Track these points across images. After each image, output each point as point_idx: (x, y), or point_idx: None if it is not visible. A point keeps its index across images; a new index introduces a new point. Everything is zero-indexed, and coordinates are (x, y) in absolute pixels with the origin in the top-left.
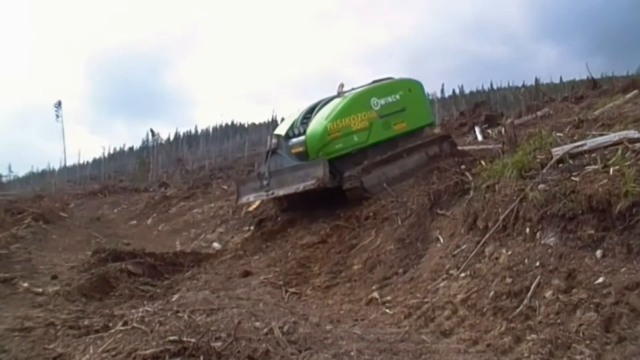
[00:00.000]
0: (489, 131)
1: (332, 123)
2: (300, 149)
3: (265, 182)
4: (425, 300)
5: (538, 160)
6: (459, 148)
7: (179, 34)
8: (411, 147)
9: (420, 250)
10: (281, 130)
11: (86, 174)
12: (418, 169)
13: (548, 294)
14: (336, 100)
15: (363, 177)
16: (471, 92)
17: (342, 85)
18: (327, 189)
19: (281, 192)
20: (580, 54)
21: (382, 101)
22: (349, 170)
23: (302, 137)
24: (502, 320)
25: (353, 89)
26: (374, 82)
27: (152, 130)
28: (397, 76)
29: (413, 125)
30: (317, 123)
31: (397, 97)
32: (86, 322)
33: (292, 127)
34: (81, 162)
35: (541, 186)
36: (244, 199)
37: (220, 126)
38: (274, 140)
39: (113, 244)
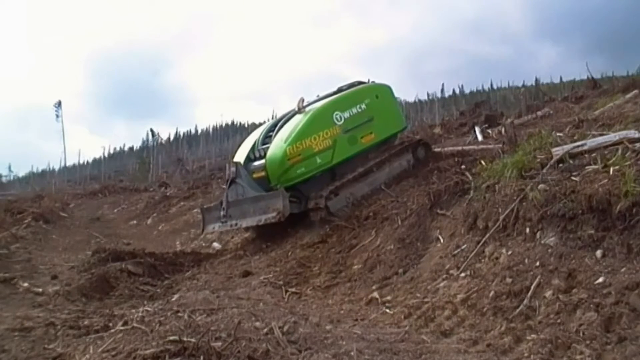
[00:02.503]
0: (489, 131)
1: (292, 146)
2: (262, 173)
3: (222, 213)
4: (425, 300)
5: (538, 160)
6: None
7: (179, 33)
8: (382, 160)
9: (420, 250)
10: (240, 156)
11: (86, 174)
12: (391, 182)
13: (548, 294)
14: (297, 118)
15: (329, 201)
16: (471, 92)
17: (302, 100)
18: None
19: (244, 224)
20: (580, 54)
21: (346, 114)
22: (314, 194)
23: (263, 161)
24: (502, 320)
25: (318, 96)
26: (339, 89)
27: (152, 130)
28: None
29: (382, 135)
30: (276, 146)
31: (363, 106)
32: (86, 322)
33: (253, 149)
34: (81, 162)
35: (541, 186)
36: (209, 228)
37: (220, 126)
38: (232, 169)
39: (113, 243)
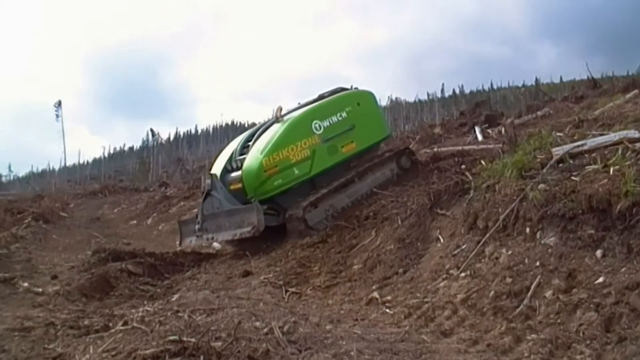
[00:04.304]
0: (489, 131)
1: (268, 158)
2: (239, 185)
3: (197, 227)
4: (426, 300)
5: (538, 160)
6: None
7: (179, 32)
8: (363, 170)
9: (420, 250)
10: (216, 168)
11: (86, 174)
12: (373, 193)
13: (548, 293)
14: (274, 127)
15: (307, 214)
16: (471, 92)
17: (280, 109)
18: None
19: (220, 238)
20: (581, 53)
21: (326, 123)
22: (292, 206)
23: (239, 173)
24: (502, 320)
25: (299, 104)
26: (320, 96)
27: (152, 130)
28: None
29: (364, 144)
30: (252, 157)
31: (344, 114)
32: (86, 322)
33: (230, 159)
34: (81, 162)
35: (541, 186)
36: (187, 241)
37: (221, 126)
38: (208, 181)
39: (113, 243)
